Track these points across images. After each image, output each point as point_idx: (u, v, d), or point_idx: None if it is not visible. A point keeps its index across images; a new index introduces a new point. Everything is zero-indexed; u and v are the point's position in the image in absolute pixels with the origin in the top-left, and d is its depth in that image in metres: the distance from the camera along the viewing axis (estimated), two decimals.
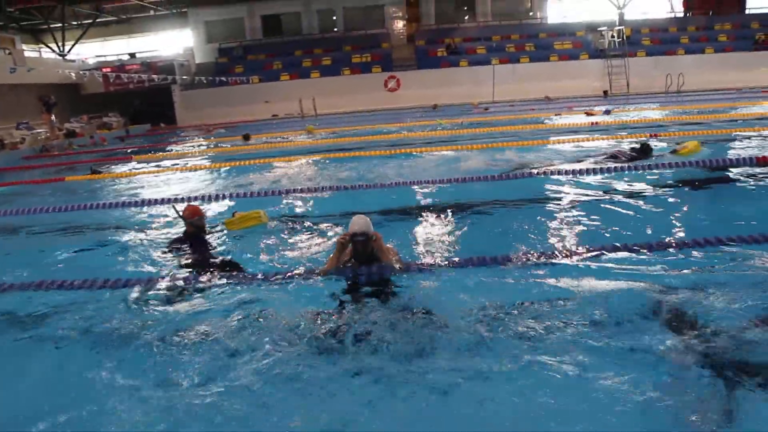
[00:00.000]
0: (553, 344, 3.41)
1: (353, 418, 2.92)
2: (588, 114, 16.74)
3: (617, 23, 28.67)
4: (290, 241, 6.02)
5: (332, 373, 3.30)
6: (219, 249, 5.80)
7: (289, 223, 6.71)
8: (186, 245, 5.70)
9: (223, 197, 8.57)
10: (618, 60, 26.79)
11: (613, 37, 27.48)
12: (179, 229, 6.14)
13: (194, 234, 5.75)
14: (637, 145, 9.04)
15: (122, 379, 3.39)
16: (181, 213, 5.85)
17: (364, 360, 3.42)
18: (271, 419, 2.93)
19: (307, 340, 3.66)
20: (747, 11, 31.70)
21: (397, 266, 4.53)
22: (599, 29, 28.29)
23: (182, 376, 3.39)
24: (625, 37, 27.32)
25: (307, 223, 6.63)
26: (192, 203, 6.67)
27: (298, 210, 7.58)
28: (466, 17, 32.54)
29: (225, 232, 6.30)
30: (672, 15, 33.04)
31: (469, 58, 28.53)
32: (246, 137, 16.54)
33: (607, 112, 16.55)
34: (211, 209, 7.56)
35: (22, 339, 4.09)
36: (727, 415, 2.72)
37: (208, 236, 5.99)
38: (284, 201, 8.02)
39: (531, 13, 32.29)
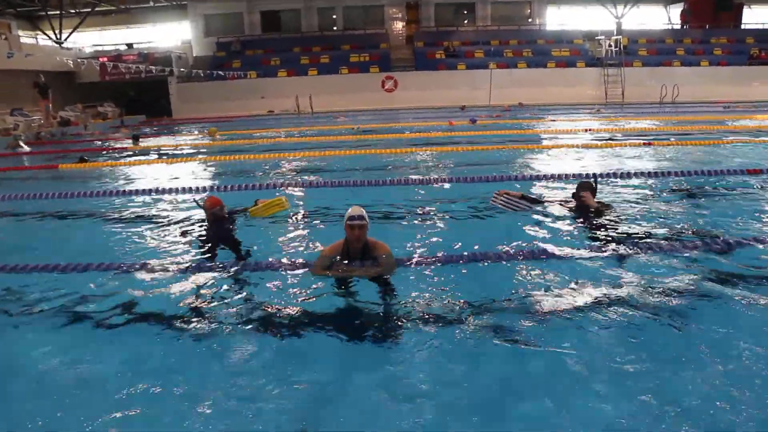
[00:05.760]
0: (540, 337, 3.49)
1: (339, 413, 2.97)
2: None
3: (615, 32, 28.93)
4: (301, 232, 6.20)
5: (321, 365, 3.36)
6: (239, 237, 5.90)
7: (297, 215, 6.90)
8: (208, 232, 5.95)
9: (228, 189, 8.59)
10: (614, 69, 27.03)
11: (610, 46, 27.72)
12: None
13: (216, 222, 5.96)
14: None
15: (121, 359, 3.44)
16: (201, 204, 6.06)
17: (353, 353, 3.49)
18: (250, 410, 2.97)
19: (302, 331, 3.75)
20: (743, 26, 32.08)
21: (389, 262, 4.56)
22: (597, 38, 28.53)
23: (179, 359, 3.47)
24: (622, 47, 27.56)
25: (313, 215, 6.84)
26: (212, 194, 6.82)
27: (307, 202, 7.67)
28: (466, 21, 32.69)
29: (248, 219, 6.42)
30: (669, 27, 33.36)
31: (466, 61, 28.64)
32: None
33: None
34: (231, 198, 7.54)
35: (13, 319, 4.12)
36: None
37: (230, 224, 6.14)
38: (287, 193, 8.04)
39: (530, 20, 32.48)
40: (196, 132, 17.77)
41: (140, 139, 16.10)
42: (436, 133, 15.83)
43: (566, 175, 8.53)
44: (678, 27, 32.89)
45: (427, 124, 18.47)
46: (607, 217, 6.01)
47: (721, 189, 7.64)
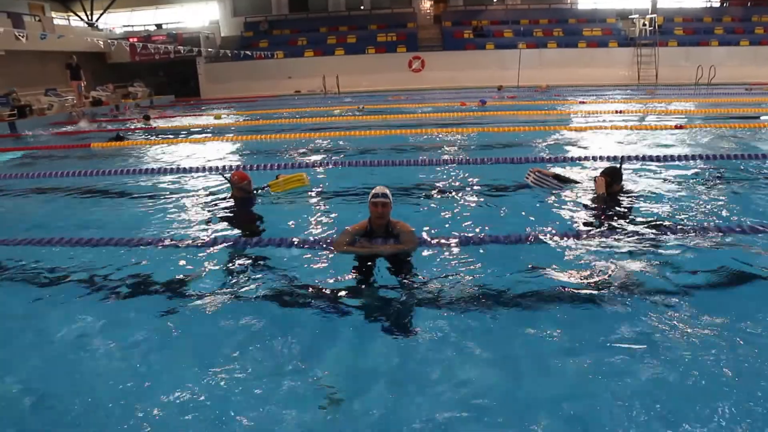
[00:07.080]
0: (560, 323, 3.48)
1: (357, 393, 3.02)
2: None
3: (650, 11, 27.98)
4: (323, 210, 6.29)
5: (343, 344, 3.42)
6: (263, 212, 6.05)
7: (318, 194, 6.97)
8: (233, 207, 6.13)
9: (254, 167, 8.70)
10: (648, 49, 26.22)
11: (644, 25, 26.86)
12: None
13: (241, 197, 6.15)
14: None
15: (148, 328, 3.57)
16: (229, 177, 6.23)
17: (373, 331, 3.54)
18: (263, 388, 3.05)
19: (323, 307, 3.81)
20: None
21: (411, 239, 4.56)
22: (630, 17, 27.66)
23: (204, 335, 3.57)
24: (656, 26, 26.68)
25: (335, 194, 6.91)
26: (239, 170, 6.96)
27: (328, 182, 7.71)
28: (495, 0, 32.01)
29: (270, 194, 6.59)
30: (708, 4, 32.15)
31: (495, 41, 28.14)
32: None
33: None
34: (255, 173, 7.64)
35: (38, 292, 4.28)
36: None
37: (253, 202, 6.31)
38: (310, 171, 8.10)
39: None
40: (226, 112, 18.06)
41: (150, 119, 16.63)
42: (458, 114, 15.75)
43: (593, 157, 8.39)
44: (717, 5, 31.68)
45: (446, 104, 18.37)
46: (629, 205, 5.85)
47: (751, 174, 7.43)
